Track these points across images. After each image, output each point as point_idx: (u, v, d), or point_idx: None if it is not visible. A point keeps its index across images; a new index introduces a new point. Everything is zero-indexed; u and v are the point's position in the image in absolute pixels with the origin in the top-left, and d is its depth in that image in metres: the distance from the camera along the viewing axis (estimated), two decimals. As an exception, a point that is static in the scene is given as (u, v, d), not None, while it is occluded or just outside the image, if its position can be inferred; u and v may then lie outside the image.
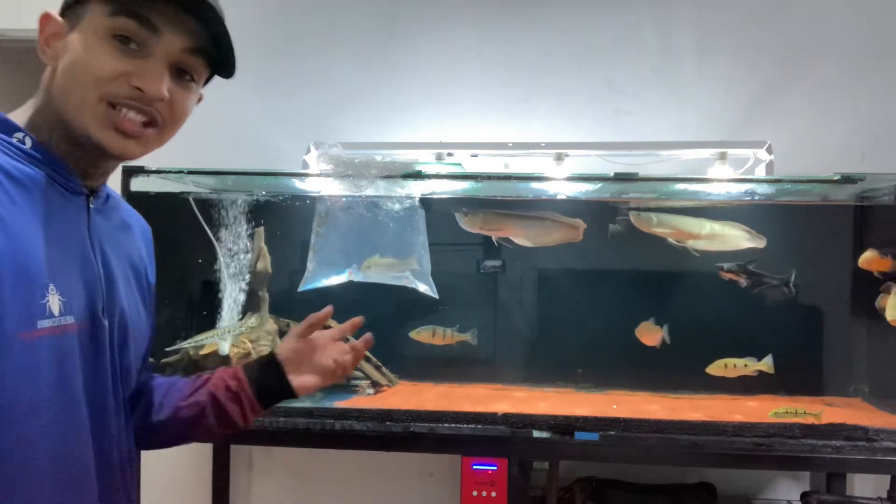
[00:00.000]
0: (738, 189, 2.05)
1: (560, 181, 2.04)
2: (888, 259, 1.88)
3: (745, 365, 1.93)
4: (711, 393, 2.04)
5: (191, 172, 1.98)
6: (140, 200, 1.93)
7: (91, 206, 0.84)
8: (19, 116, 0.81)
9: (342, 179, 1.85)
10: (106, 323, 0.83)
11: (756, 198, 2.08)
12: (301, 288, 2.05)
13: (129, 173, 1.92)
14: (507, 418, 1.75)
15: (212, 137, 2.42)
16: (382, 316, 2.22)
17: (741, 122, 2.28)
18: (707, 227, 2.00)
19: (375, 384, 2.06)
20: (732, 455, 1.70)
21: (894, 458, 1.66)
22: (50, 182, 0.78)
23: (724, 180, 2.03)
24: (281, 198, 2.10)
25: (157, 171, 1.93)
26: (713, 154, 2.07)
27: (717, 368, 1.94)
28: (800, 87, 2.27)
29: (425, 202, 2.07)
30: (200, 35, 0.81)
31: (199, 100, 0.92)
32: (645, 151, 2.16)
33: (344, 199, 2.03)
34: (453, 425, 1.75)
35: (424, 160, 2.04)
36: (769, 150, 2.03)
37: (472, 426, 1.74)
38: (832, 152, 2.22)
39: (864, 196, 2.04)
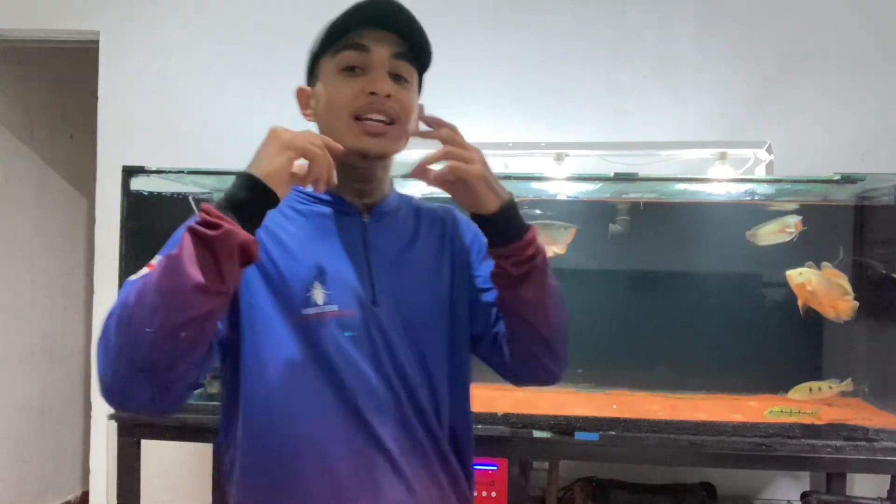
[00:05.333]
0: (738, 189, 2.06)
1: (560, 181, 2.04)
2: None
3: (830, 387, 1.90)
4: (711, 393, 2.04)
5: (191, 172, 1.98)
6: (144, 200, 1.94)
7: (365, 220, 1.02)
8: None
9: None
10: (378, 310, 0.98)
11: (756, 198, 2.08)
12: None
13: (129, 173, 1.91)
14: (507, 418, 1.75)
15: (212, 137, 2.42)
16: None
17: (741, 122, 2.28)
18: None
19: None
20: (732, 455, 1.70)
21: (894, 458, 1.66)
22: (329, 211, 1.01)
23: (724, 180, 2.03)
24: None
25: (157, 171, 1.93)
26: (713, 154, 2.07)
27: (801, 392, 1.90)
28: (800, 88, 2.27)
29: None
30: (400, 42, 0.98)
31: (421, 111, 1.04)
32: (645, 151, 2.16)
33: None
34: (453, 425, 1.74)
35: (424, 160, 2.03)
36: (769, 150, 2.03)
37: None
38: (832, 152, 2.22)
39: (864, 196, 2.04)
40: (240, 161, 1.11)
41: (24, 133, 3.04)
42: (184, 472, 2.44)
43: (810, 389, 1.89)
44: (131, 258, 1.86)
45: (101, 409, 2.43)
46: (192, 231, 0.77)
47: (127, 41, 2.51)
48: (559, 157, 2.12)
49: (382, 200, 1.04)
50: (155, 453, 2.05)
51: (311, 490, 0.92)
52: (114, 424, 1.87)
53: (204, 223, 0.77)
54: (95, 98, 2.52)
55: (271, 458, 0.92)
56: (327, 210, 1.01)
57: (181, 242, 0.78)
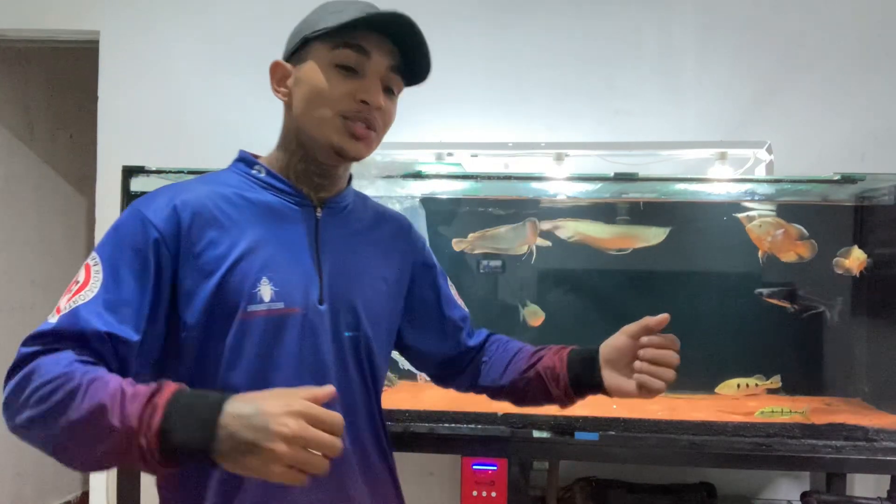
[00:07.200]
0: (738, 189, 2.05)
1: (560, 181, 2.04)
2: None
3: (757, 384, 1.91)
4: (711, 393, 2.04)
5: (191, 172, 1.98)
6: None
7: (319, 215, 1.02)
8: (267, 153, 1.05)
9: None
10: (323, 308, 0.98)
11: (756, 198, 2.08)
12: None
13: (129, 173, 1.91)
14: (507, 418, 1.75)
15: (212, 137, 2.43)
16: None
17: (741, 122, 2.28)
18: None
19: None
20: (732, 455, 1.70)
21: (894, 458, 1.65)
22: (281, 201, 1.00)
23: (724, 180, 2.03)
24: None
25: (157, 171, 1.93)
26: (713, 154, 2.07)
27: (729, 388, 1.92)
28: (799, 87, 2.27)
29: (426, 202, 2.07)
30: (398, 55, 1.00)
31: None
32: (645, 151, 2.16)
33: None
34: (453, 425, 1.74)
35: (424, 160, 2.03)
36: (769, 150, 2.03)
37: (472, 426, 1.74)
38: (832, 152, 2.22)
39: (864, 196, 2.04)
40: (239, 161, 1.09)
41: (24, 133, 3.04)
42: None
43: (738, 385, 1.91)
44: (131, 258, 1.85)
45: (101, 409, 2.42)
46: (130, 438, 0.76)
47: (127, 41, 2.51)
48: (559, 157, 2.12)
49: (337, 195, 1.06)
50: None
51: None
52: (114, 424, 1.87)
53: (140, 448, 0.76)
54: (95, 98, 2.52)
55: None
56: (280, 200, 1.00)
57: (111, 423, 0.77)
